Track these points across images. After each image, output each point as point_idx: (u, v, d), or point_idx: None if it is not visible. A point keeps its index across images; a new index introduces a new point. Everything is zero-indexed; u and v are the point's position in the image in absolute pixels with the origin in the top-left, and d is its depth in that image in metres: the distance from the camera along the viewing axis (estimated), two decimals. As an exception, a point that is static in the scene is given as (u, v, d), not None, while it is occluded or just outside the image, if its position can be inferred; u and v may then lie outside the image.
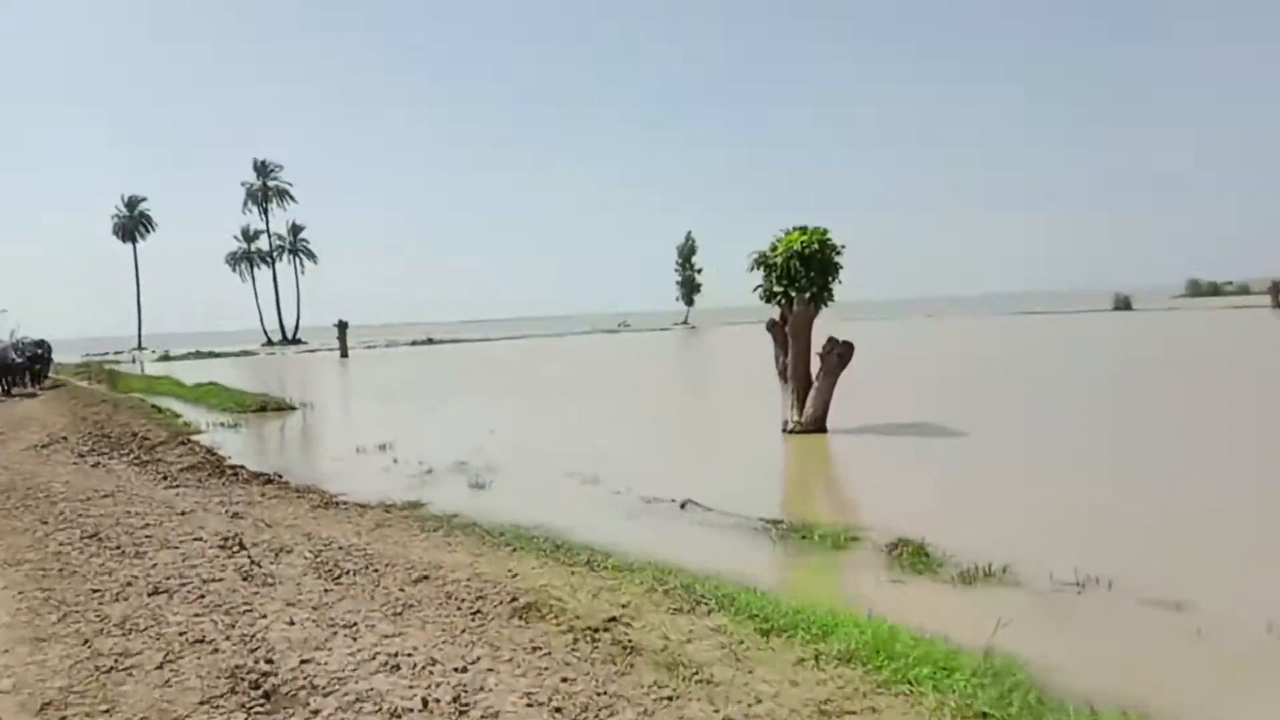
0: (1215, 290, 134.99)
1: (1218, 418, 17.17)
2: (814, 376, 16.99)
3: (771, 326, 17.45)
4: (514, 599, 7.02)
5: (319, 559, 8.88)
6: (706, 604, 6.65)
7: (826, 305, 16.97)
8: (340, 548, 9.33)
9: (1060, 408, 19.85)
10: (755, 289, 17.56)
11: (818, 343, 17.13)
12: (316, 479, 14.41)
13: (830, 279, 16.74)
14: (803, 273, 16.50)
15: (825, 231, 16.67)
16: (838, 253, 16.67)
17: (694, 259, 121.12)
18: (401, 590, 7.62)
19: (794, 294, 16.69)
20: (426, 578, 7.94)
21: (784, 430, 17.06)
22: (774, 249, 17.02)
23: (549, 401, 26.92)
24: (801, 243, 16.51)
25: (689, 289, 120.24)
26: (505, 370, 45.14)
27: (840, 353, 16.74)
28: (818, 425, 16.82)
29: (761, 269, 17.34)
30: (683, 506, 11.12)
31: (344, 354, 63.51)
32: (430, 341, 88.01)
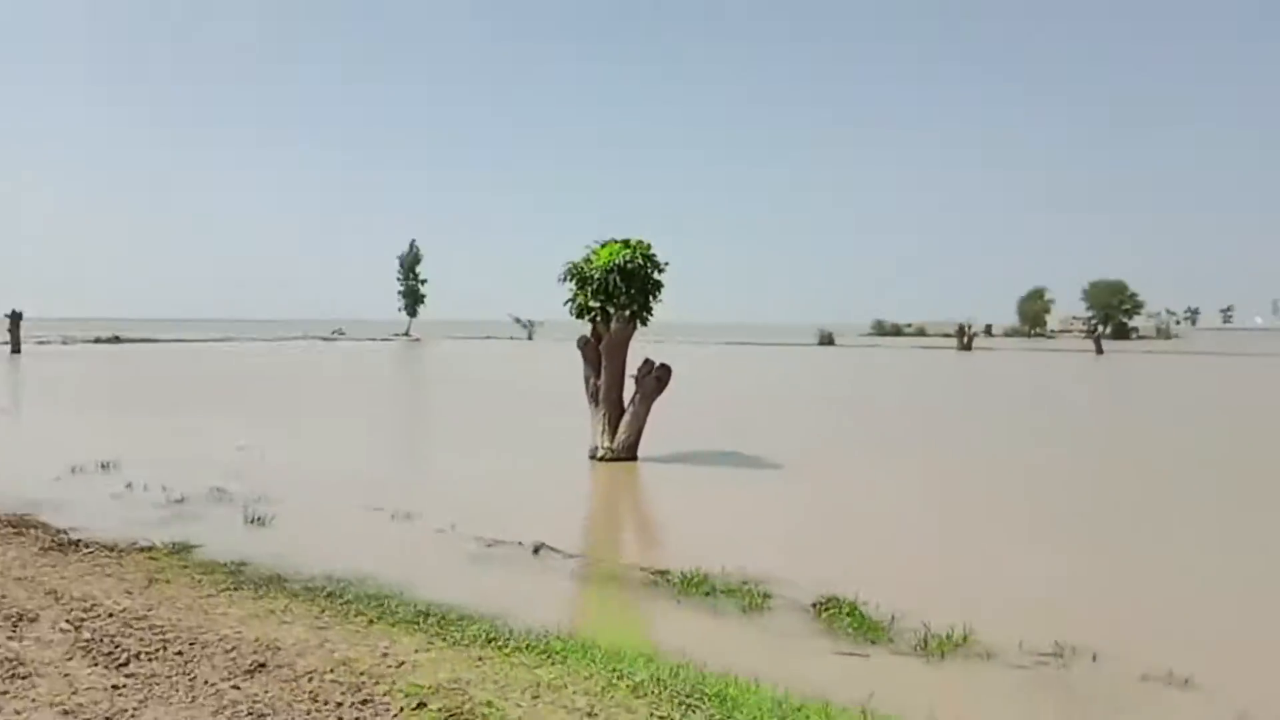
0: (897, 330, 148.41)
1: (1014, 440, 17.58)
2: (627, 401, 15.69)
3: (584, 344, 15.95)
4: (421, 704, 5.07)
5: (83, 633, 6.41)
6: (699, 708, 5.03)
7: (645, 324, 15.72)
8: (110, 615, 6.86)
9: (855, 434, 19.75)
10: (566, 303, 16.02)
11: (632, 364, 15.86)
12: (29, 507, 11.28)
13: (651, 297, 15.50)
14: (622, 289, 15.15)
15: (649, 245, 15.43)
16: (660, 269, 15.48)
17: (418, 269, 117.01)
18: (235, 688, 5.43)
19: (612, 310, 15.29)
20: (263, 666, 5.77)
21: (593, 457, 15.60)
22: (589, 261, 15.56)
23: (293, 414, 23.86)
24: (624, 256, 15.17)
25: (412, 299, 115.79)
26: (223, 375, 40.54)
27: (659, 375, 15.53)
28: (630, 452, 15.50)
29: (573, 282, 15.82)
30: (536, 551, 9.37)
31: (15, 349, 55.03)
32: (117, 339, 78.76)
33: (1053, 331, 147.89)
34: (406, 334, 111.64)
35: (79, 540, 9.48)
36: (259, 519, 10.73)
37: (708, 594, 7.92)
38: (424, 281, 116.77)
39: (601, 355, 15.67)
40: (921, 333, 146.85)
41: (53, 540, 9.44)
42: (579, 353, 16.11)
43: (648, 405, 15.56)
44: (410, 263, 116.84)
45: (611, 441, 15.51)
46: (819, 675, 6.06)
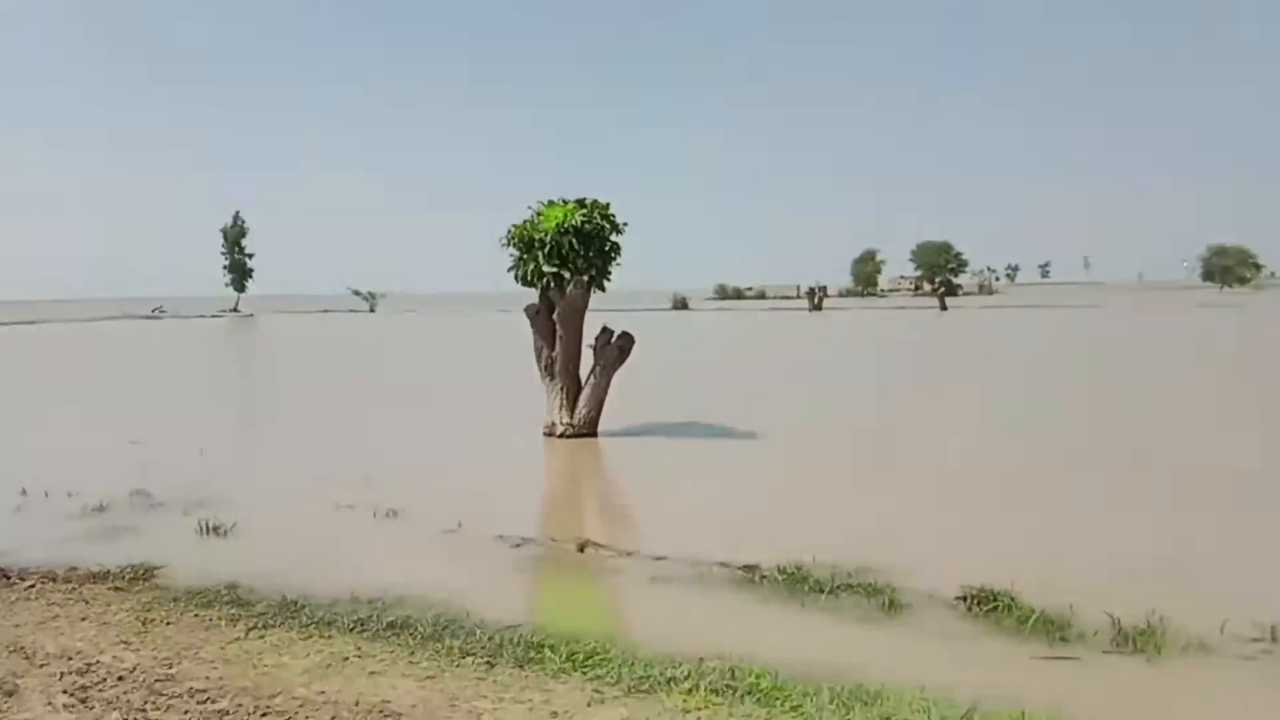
0: (739, 294, 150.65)
1: (971, 393, 17.14)
2: (584, 373, 14.39)
3: (535, 314, 14.45)
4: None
5: (100, 709, 4.75)
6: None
7: (604, 290, 14.39)
8: (121, 678, 5.21)
9: (804, 397, 18.88)
10: (511, 269, 14.48)
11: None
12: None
13: (610, 260, 14.17)
14: (579, 252, 13.76)
15: (607, 205, 14.06)
16: (619, 230, 14.14)
17: (244, 242, 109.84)
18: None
19: (568, 276, 13.88)
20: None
21: (550, 434, 14.22)
22: (534, 224, 14.06)
23: (164, 401, 21.29)
24: (581, 217, 13.76)
25: (239, 274, 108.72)
26: (59, 361, 36.50)
27: (620, 345, 14.26)
28: (591, 428, 14.22)
29: (516, 246, 14.31)
30: (581, 550, 8.05)
31: None
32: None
33: (883, 290, 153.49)
34: (235, 310, 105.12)
35: (5, 570, 7.51)
36: (215, 528, 8.91)
37: (826, 593, 6.81)
38: (250, 255, 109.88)
39: (556, 325, 14.24)
40: (762, 295, 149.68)
41: (-29, 572, 7.46)
42: (529, 319, 14.61)
43: (608, 377, 14.29)
44: (235, 236, 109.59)
45: (571, 417, 14.17)
46: (1041, 689, 5.08)
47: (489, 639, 5.65)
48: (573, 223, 13.70)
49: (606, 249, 14.04)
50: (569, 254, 13.78)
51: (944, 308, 75.64)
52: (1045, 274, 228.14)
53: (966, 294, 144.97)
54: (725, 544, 8.12)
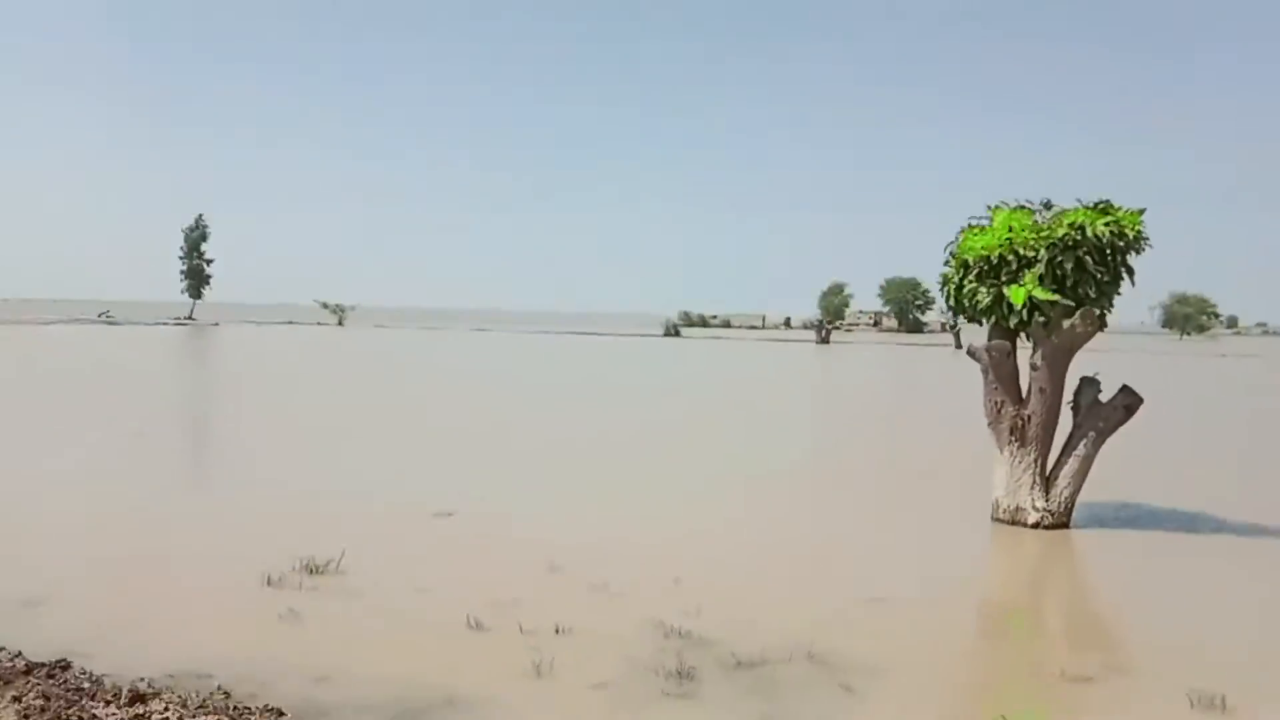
0: (704, 322, 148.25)
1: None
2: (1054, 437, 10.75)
3: (1004, 355, 10.71)
4: None
5: None
6: None
7: (1104, 327, 10.78)
8: None
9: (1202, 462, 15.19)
10: (962, 294, 10.82)
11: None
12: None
13: (1119, 287, 10.59)
14: (1094, 275, 10.16)
15: (1140, 214, 10.41)
16: (1139, 249, 10.51)
17: (204, 247, 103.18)
18: None
19: (1065, 306, 10.23)
20: None
21: (1016, 522, 10.52)
22: (1015, 234, 10.36)
23: (331, 436, 16.97)
24: (1105, 227, 10.13)
25: (196, 280, 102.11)
26: (105, 372, 31.29)
27: (1127, 404, 10.61)
28: (1067, 515, 10.58)
29: (978, 267, 10.62)
30: None
31: None
32: None
33: (848, 325, 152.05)
34: (190, 318, 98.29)
35: None
36: None
37: None
38: (210, 260, 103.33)
39: (1037, 370, 10.58)
40: (727, 324, 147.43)
41: None
42: (982, 364, 10.86)
43: (1099, 447, 10.63)
44: (195, 240, 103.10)
45: (1047, 499, 10.50)
46: None
47: None
48: (1096, 234, 10.08)
49: (1119, 272, 10.46)
50: (1070, 275, 10.17)
51: (959, 345, 73.45)
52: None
53: (930, 332, 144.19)
54: None
